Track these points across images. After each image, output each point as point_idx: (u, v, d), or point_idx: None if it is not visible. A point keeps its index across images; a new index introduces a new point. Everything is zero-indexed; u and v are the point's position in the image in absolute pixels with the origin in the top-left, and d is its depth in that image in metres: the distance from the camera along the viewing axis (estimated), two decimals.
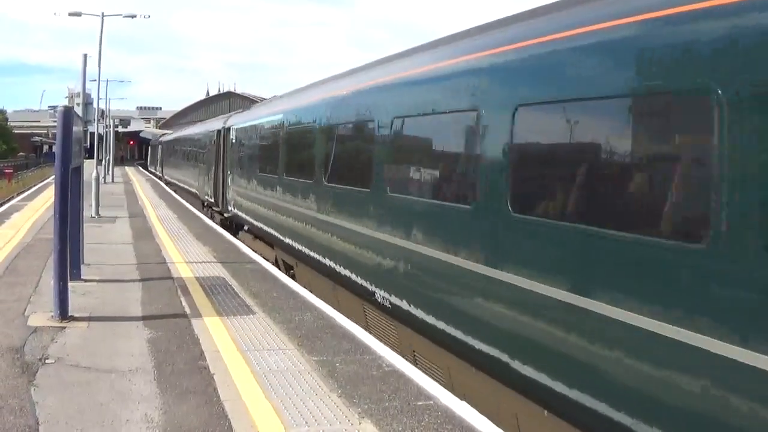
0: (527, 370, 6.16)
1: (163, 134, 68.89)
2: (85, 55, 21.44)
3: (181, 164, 39.58)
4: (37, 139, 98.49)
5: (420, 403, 6.57)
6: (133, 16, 42.10)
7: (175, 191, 39.06)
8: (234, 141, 21.64)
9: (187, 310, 9.93)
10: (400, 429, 5.98)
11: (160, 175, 53.82)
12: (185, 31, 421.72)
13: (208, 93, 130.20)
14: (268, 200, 15.99)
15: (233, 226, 21.99)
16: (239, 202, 20.11)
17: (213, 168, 25.44)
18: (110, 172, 46.79)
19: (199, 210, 27.59)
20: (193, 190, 32.33)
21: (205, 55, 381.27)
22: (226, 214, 22.97)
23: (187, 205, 30.24)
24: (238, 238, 19.07)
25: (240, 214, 19.99)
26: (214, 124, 27.49)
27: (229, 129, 22.74)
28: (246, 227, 19.50)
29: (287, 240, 14.25)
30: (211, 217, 25.27)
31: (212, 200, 25.82)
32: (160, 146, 59.40)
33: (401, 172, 9.11)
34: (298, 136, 14.12)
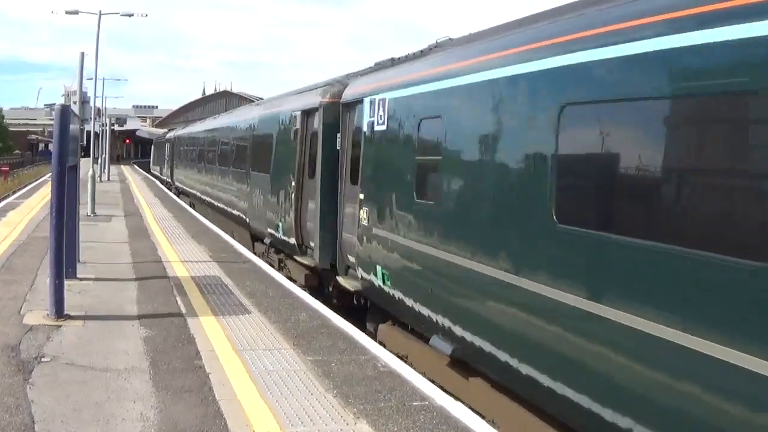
0: None
1: (171, 129, 59.36)
2: (83, 54, 21.43)
3: (207, 169, 27.14)
4: (33, 137, 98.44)
5: (415, 403, 6.59)
6: (131, 15, 42.09)
7: (192, 205, 30.09)
8: (383, 128, 9.84)
9: (183, 309, 9.93)
10: (395, 429, 6.00)
11: (169, 181, 43.34)
12: (184, 29, 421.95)
13: (204, 92, 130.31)
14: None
15: (359, 302, 11.25)
16: (425, 271, 8.46)
17: (292, 182, 13.72)
18: (106, 170, 46.74)
19: (249, 249, 16.80)
20: (236, 213, 20.05)
21: (202, 54, 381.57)
22: (344, 281, 11.31)
23: (183, 204, 30.19)
24: (385, 345, 9.39)
25: (415, 306, 8.65)
26: (291, 102, 15.17)
27: (354, 105, 11.24)
28: (442, 342, 7.92)
29: None
30: (281, 269, 14.86)
31: (291, 241, 13.86)
32: (168, 144, 46.51)
33: None
34: None
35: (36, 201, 26.56)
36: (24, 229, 17.65)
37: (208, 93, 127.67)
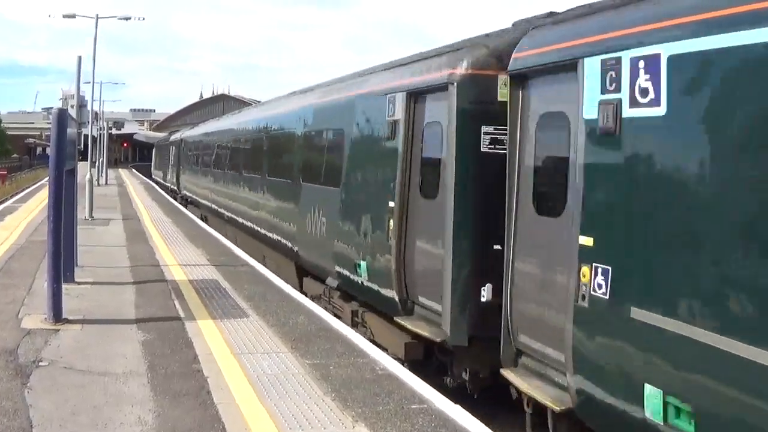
0: None
1: (173, 131, 53.60)
2: (80, 57, 21.51)
3: (229, 178, 21.76)
4: (30, 140, 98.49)
5: (414, 406, 6.59)
6: (128, 18, 41.98)
7: (204, 218, 26.31)
8: (655, 113, 5.31)
9: (181, 313, 9.92)
10: None
11: (175, 188, 38.65)
12: (182, 32, 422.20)
13: (201, 95, 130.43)
14: None
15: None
16: None
17: (389, 203, 9.23)
18: (104, 174, 46.72)
19: (294, 287, 12.85)
20: (275, 237, 15.10)
21: (200, 55, 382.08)
22: (526, 385, 6.64)
23: (181, 207, 30.17)
24: None
25: None
26: (379, 82, 10.43)
27: (547, 74, 6.81)
28: None
29: None
30: (355, 326, 10.42)
31: (386, 293, 9.33)
32: (173, 147, 40.94)
33: None
34: None
35: (34, 204, 26.53)
36: (22, 233, 17.63)
37: (205, 96, 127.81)
